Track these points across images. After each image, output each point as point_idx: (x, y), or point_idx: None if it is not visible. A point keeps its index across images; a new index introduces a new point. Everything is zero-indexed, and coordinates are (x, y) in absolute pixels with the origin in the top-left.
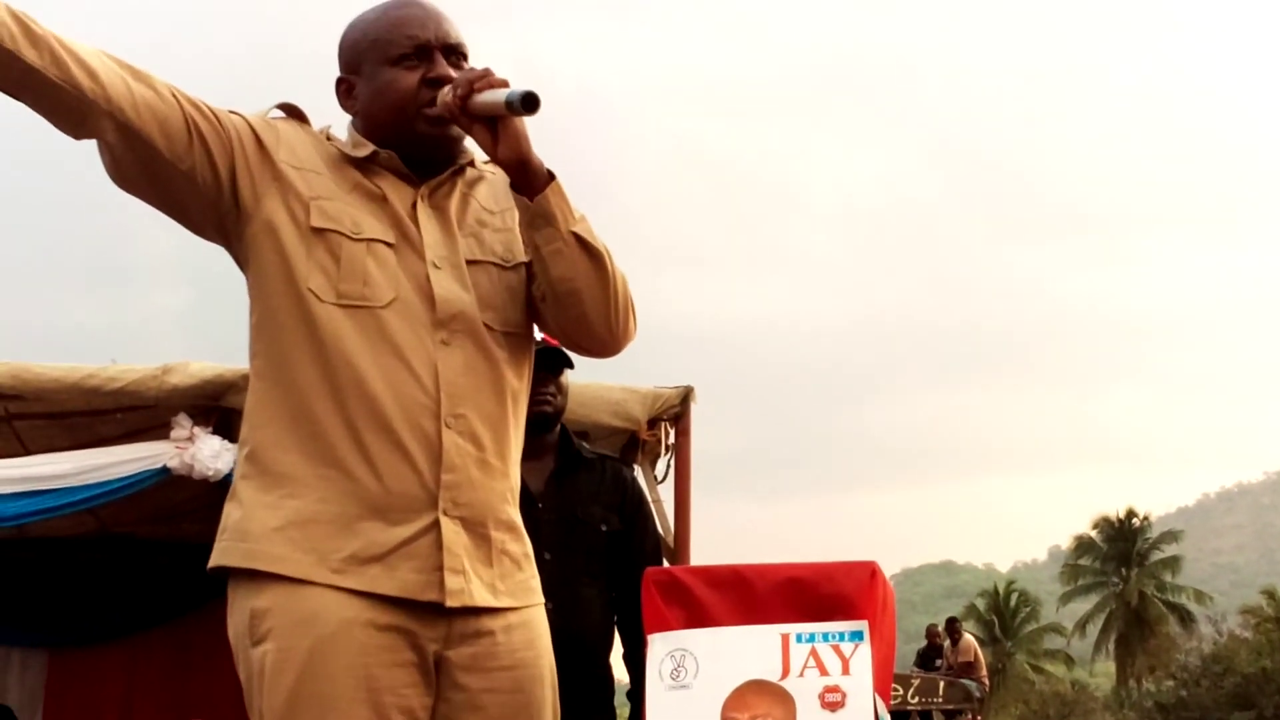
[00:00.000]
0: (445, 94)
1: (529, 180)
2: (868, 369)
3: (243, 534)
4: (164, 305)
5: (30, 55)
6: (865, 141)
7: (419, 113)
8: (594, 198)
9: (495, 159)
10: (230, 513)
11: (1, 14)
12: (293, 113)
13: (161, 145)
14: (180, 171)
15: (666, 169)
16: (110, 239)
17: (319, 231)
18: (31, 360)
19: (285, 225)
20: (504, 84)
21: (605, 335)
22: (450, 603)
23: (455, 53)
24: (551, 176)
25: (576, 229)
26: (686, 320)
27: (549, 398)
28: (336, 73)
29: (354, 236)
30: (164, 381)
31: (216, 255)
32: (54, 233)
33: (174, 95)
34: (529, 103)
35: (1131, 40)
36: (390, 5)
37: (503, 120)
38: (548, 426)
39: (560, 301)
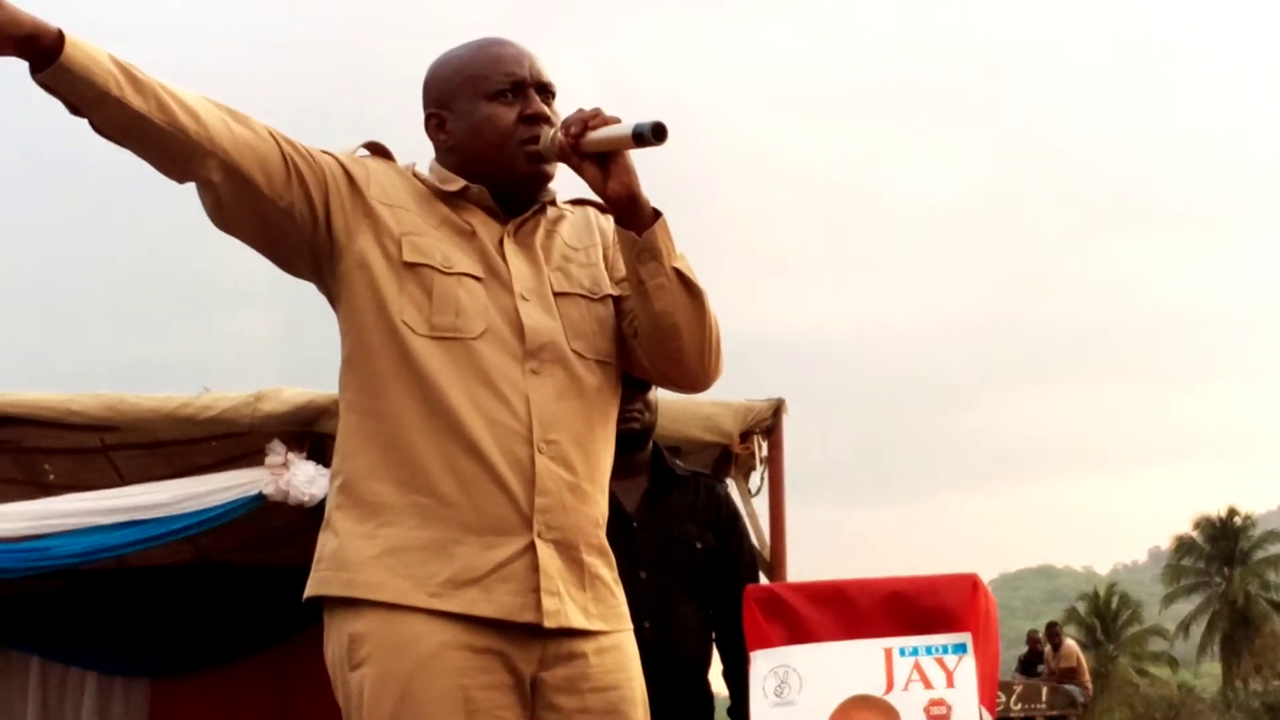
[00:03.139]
0: (555, 132)
1: (637, 215)
2: (960, 372)
3: (340, 563)
4: (254, 330)
5: (137, 102)
6: (950, 142)
7: (518, 149)
8: (681, 206)
9: (604, 195)
10: (326, 542)
11: (107, 64)
12: (379, 151)
13: (262, 183)
14: (280, 209)
15: (752, 176)
16: (199, 265)
17: (411, 266)
18: (125, 390)
19: (378, 260)
20: (616, 120)
21: (698, 370)
22: (548, 623)
23: (547, 91)
24: (658, 213)
25: (678, 265)
26: (776, 328)
27: (636, 414)
28: (417, 107)
29: (445, 270)
30: (257, 409)
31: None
32: (143, 260)
33: (271, 134)
34: (659, 132)
35: (1222, 28)
36: (484, 43)
37: (614, 157)
38: (638, 444)
39: (659, 335)
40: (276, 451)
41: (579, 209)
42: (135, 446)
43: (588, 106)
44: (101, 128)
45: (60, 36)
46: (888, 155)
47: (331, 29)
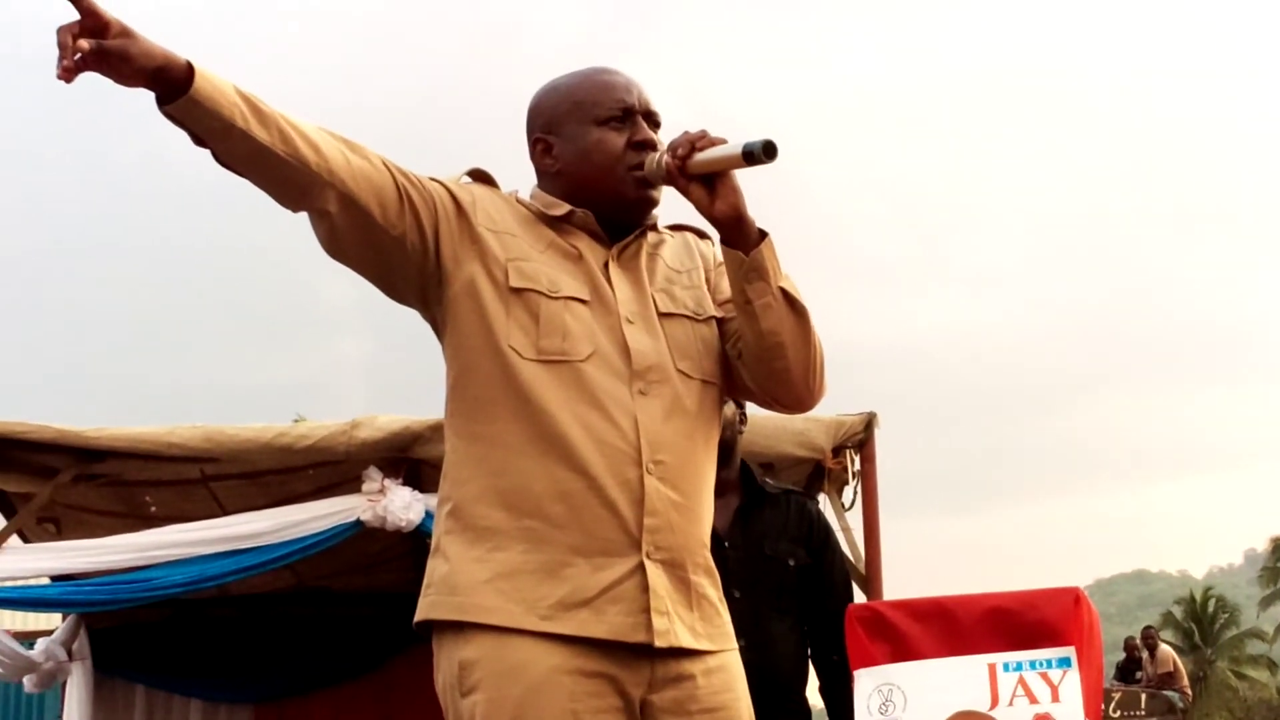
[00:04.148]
0: (662, 157)
1: (744, 235)
2: (1052, 377)
3: (452, 588)
4: (346, 355)
5: (260, 134)
6: (1043, 149)
7: (627, 173)
8: (773, 218)
9: (711, 216)
10: (436, 567)
11: (233, 95)
12: (483, 177)
13: (377, 213)
14: (393, 238)
15: (843, 187)
16: (290, 292)
17: (518, 291)
18: (222, 421)
19: (485, 287)
20: (723, 141)
21: (803, 390)
22: (659, 643)
23: (653, 119)
24: (764, 233)
25: (784, 284)
26: (870, 338)
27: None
28: (520, 131)
29: (551, 295)
30: (353, 436)
31: (396, 304)
32: (233, 288)
33: (385, 164)
34: (769, 150)
35: None
36: (592, 70)
37: (720, 177)
38: (725, 458)
39: (766, 354)
40: (373, 478)
41: (678, 234)
42: (234, 476)
43: (692, 128)
44: (224, 158)
45: (189, 69)
46: (980, 163)
47: (414, 55)
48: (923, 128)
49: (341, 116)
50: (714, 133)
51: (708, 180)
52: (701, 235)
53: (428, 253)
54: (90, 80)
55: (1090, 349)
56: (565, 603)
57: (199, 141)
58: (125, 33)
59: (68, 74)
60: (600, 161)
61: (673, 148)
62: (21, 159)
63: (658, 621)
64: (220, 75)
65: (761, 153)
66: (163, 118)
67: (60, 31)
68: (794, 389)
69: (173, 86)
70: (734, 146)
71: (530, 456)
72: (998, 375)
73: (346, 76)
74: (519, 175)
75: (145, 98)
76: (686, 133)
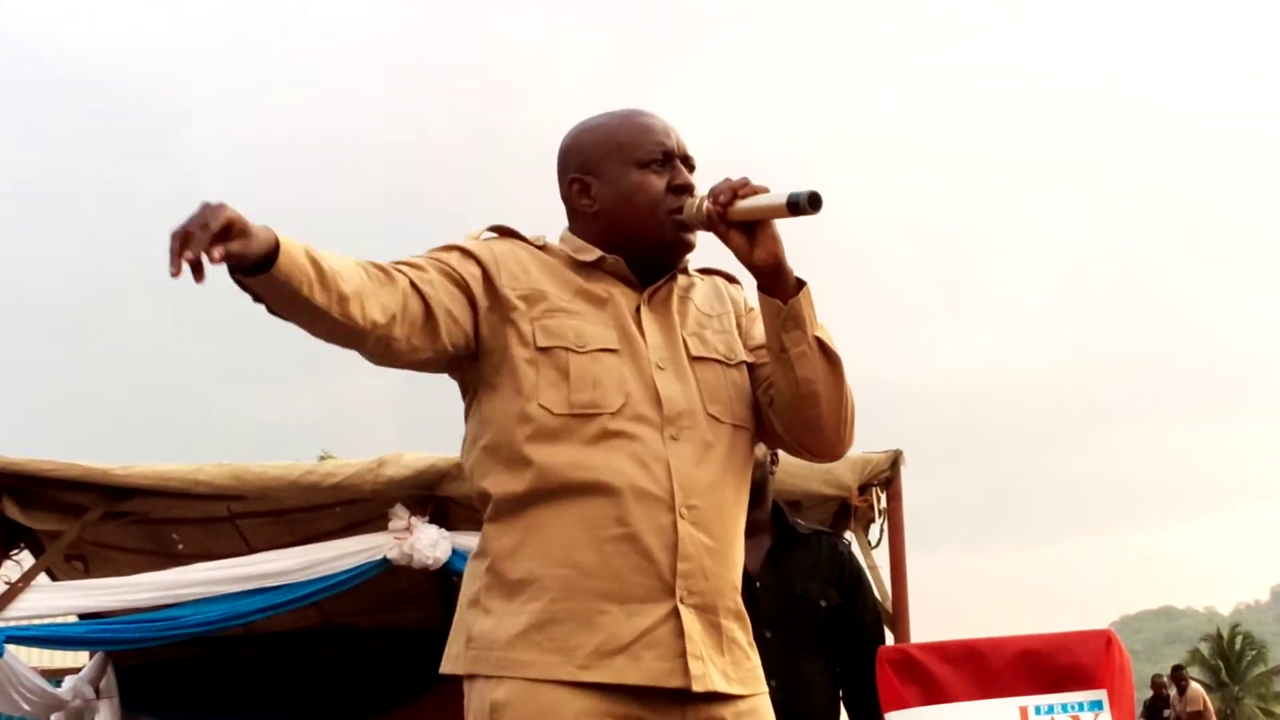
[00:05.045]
0: (703, 202)
1: (783, 283)
2: (1077, 413)
3: (489, 643)
4: (371, 390)
5: (320, 299)
6: (1062, 182)
7: (667, 217)
8: (795, 253)
9: (750, 263)
10: (474, 621)
11: (305, 264)
12: (505, 232)
13: (418, 344)
14: (432, 356)
15: (865, 222)
16: None
17: (546, 350)
18: (249, 457)
19: (517, 349)
20: (765, 190)
21: (834, 438)
22: (696, 687)
23: (689, 163)
24: (801, 282)
25: (819, 334)
26: (894, 374)
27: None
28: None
29: (579, 350)
30: (379, 474)
31: None
32: (256, 321)
33: (421, 294)
34: (815, 202)
35: None
36: (630, 112)
37: (761, 225)
38: (757, 499)
39: (799, 403)
40: (400, 516)
41: (708, 277)
42: (261, 514)
43: (734, 176)
44: (277, 312)
45: (277, 246)
46: (1002, 198)
47: (447, 85)
48: (946, 164)
49: (366, 153)
50: (755, 180)
51: (747, 227)
52: (731, 280)
53: (469, 345)
54: (122, 112)
55: (1114, 383)
56: (601, 650)
57: (257, 299)
58: (245, 231)
59: (199, 279)
60: (641, 204)
61: (714, 194)
62: (60, 185)
63: (694, 666)
64: (294, 242)
65: (807, 204)
66: (232, 277)
67: (193, 243)
68: (825, 438)
69: (259, 264)
70: (778, 196)
71: (563, 509)
72: (1021, 410)
73: (368, 110)
74: (548, 215)
75: (174, 137)
76: (728, 179)
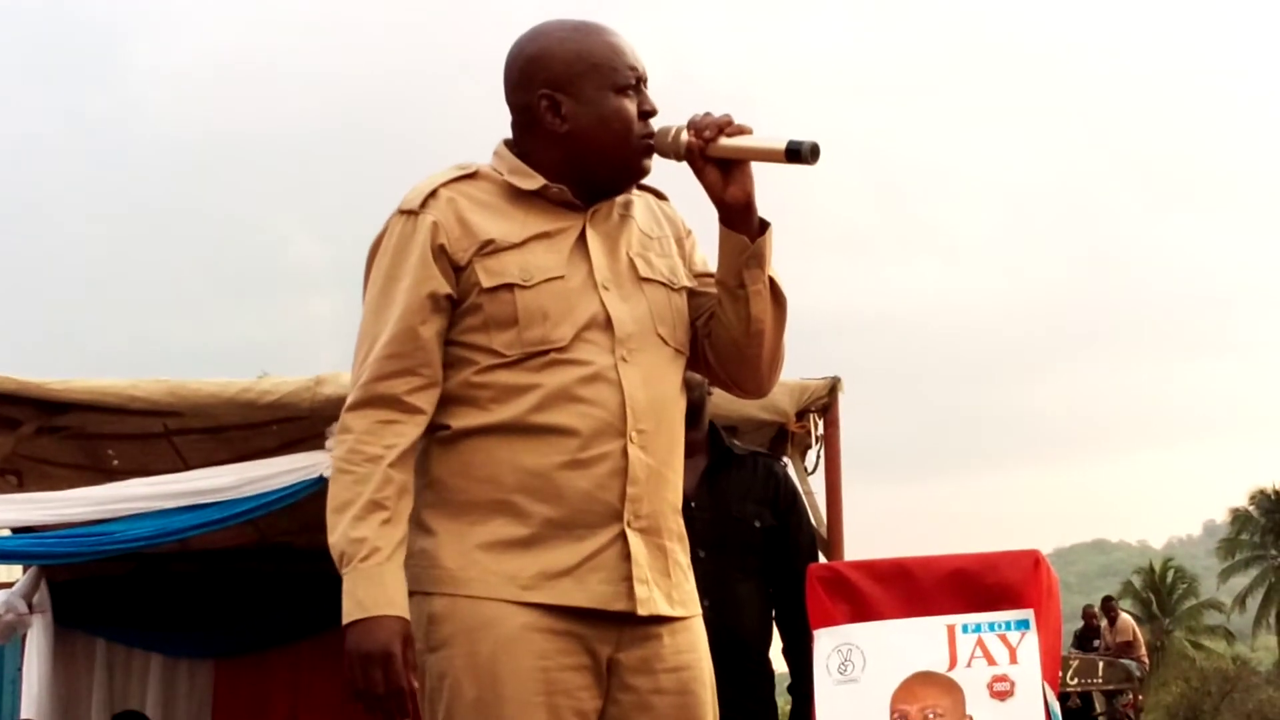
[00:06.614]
0: (680, 132)
1: (750, 221)
2: (1019, 348)
3: (431, 560)
4: (316, 314)
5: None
6: (1017, 120)
7: (639, 143)
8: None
9: (721, 199)
10: (416, 539)
11: (391, 548)
12: (432, 194)
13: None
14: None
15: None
16: (260, 249)
17: (493, 290)
18: (187, 376)
19: (473, 297)
20: (749, 130)
21: (765, 377)
22: (641, 611)
23: (646, 85)
24: (766, 223)
25: (772, 274)
26: (837, 304)
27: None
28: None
29: (525, 284)
30: (317, 393)
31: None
32: (204, 244)
33: (421, 404)
34: (815, 152)
35: None
36: (596, 27)
37: (739, 164)
38: (694, 420)
39: (745, 339)
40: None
41: (640, 195)
42: (197, 431)
43: (715, 111)
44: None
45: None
46: (954, 134)
47: (389, 11)
48: (899, 99)
49: (306, 82)
50: (736, 119)
51: (724, 164)
52: (661, 196)
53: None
54: (72, 39)
55: (1057, 320)
56: (546, 573)
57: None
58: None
59: None
60: (618, 130)
61: (696, 127)
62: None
63: (639, 590)
64: (397, 558)
65: (809, 154)
66: None
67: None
68: (758, 376)
69: None
70: (774, 140)
71: (513, 436)
72: (965, 345)
73: (325, 40)
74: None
75: (127, 55)
76: (709, 114)
